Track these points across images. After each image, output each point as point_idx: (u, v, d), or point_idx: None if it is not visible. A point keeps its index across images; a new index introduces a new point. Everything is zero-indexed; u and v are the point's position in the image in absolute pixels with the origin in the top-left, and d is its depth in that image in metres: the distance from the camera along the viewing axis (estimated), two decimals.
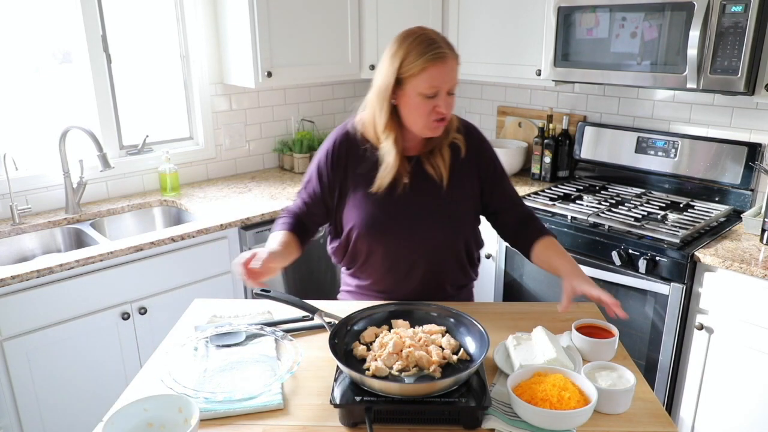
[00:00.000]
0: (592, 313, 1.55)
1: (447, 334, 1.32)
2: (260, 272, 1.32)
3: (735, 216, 2.38)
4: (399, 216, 1.53)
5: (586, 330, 1.36)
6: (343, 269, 1.70)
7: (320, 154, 1.61)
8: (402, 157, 1.51)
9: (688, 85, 2.11)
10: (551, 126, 2.89)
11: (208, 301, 1.65)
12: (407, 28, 1.45)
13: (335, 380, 1.18)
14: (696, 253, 2.04)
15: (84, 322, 2.09)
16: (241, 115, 3.05)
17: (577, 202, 2.53)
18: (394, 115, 1.48)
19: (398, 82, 1.43)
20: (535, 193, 2.64)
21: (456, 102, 1.49)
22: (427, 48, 1.39)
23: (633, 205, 2.45)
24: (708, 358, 2.10)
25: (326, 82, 3.30)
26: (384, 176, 1.50)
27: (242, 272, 1.32)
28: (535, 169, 2.93)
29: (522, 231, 1.62)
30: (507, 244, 1.70)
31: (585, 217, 2.31)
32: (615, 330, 1.34)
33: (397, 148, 1.48)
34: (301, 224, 1.61)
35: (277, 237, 1.53)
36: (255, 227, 2.49)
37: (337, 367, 1.20)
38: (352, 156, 1.56)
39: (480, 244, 1.67)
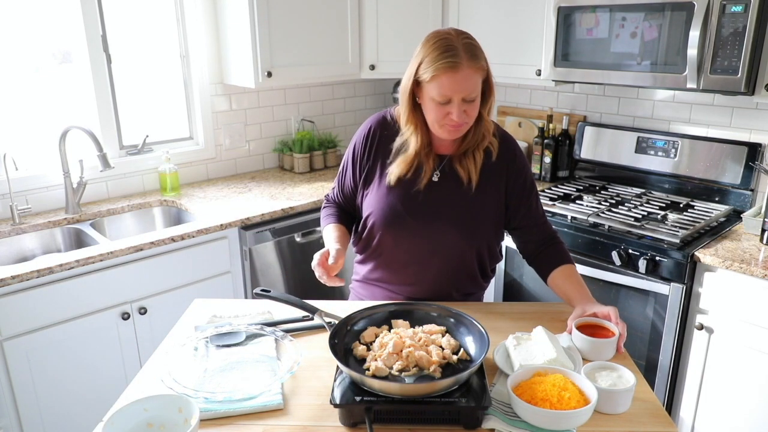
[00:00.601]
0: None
1: (447, 334, 1.32)
2: (334, 267, 1.45)
3: (735, 216, 2.38)
4: (416, 212, 1.53)
5: (587, 330, 1.36)
6: (356, 257, 1.72)
7: (355, 137, 1.64)
8: (428, 153, 1.52)
9: (688, 85, 2.11)
10: (551, 126, 2.89)
11: (208, 301, 1.65)
12: (438, 29, 1.44)
13: (335, 380, 1.18)
14: (696, 253, 2.04)
15: (84, 322, 2.09)
16: (241, 115, 3.05)
17: (577, 202, 2.53)
18: (418, 111, 1.48)
19: (417, 84, 1.44)
20: None
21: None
22: (440, 55, 1.36)
23: (633, 205, 2.45)
24: (708, 358, 2.10)
25: (326, 82, 3.30)
26: (400, 166, 1.52)
27: (321, 272, 1.44)
28: (535, 169, 2.93)
29: (543, 253, 1.59)
30: (522, 256, 1.69)
31: (585, 217, 2.31)
32: (615, 329, 1.34)
33: (417, 142, 1.50)
34: (345, 212, 1.70)
35: (330, 233, 1.61)
36: (255, 227, 2.49)
37: (337, 367, 1.20)
38: (384, 142, 1.58)
39: (496, 257, 1.64)
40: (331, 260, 1.44)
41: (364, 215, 1.59)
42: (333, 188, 1.74)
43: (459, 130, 1.46)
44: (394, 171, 1.53)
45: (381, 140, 1.58)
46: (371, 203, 1.57)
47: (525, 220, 1.59)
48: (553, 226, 1.65)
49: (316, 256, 1.47)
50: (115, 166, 2.52)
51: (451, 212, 1.53)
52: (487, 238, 1.57)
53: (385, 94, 3.59)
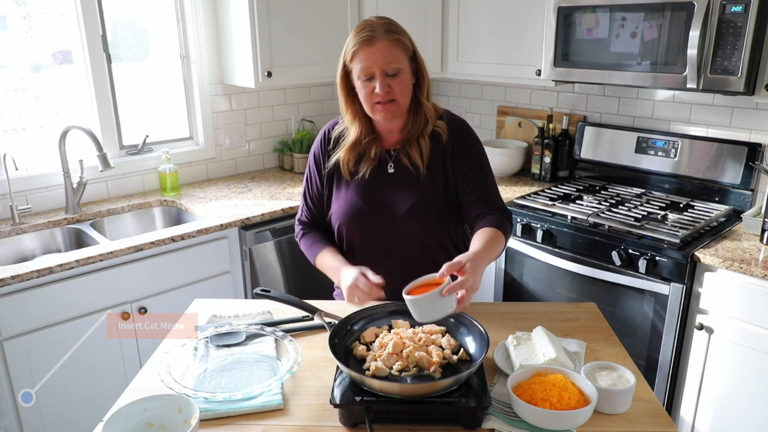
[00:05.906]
0: (591, 313, 1.55)
1: (447, 334, 1.32)
2: (376, 287, 1.41)
3: (735, 216, 2.38)
4: (376, 205, 1.55)
5: (420, 290, 1.26)
6: None
7: (313, 146, 1.67)
8: (372, 142, 1.55)
9: (688, 85, 2.11)
10: (551, 126, 2.89)
11: (208, 301, 1.65)
12: None
13: (335, 380, 1.18)
14: (696, 253, 2.04)
15: (84, 322, 2.09)
16: (241, 115, 3.05)
17: (577, 202, 2.53)
18: (357, 102, 1.52)
19: (347, 73, 1.49)
20: (535, 193, 2.64)
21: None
22: (357, 34, 1.44)
23: (633, 205, 2.45)
24: (708, 358, 2.09)
25: (326, 82, 3.29)
26: (343, 153, 1.55)
27: (367, 288, 1.40)
28: (535, 169, 2.93)
29: (479, 216, 1.52)
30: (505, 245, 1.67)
31: (585, 217, 2.31)
32: (447, 278, 1.21)
33: (357, 129, 1.53)
34: (323, 231, 1.67)
35: (333, 259, 1.55)
36: (255, 227, 2.49)
37: (337, 367, 1.20)
38: (340, 145, 1.61)
39: (460, 241, 1.63)
40: (374, 278, 1.40)
41: (333, 221, 1.61)
42: (301, 209, 1.70)
43: (390, 111, 1.47)
44: (340, 156, 1.56)
45: (335, 145, 1.61)
46: (335, 207, 1.60)
47: (471, 194, 1.56)
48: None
49: (350, 284, 1.41)
50: (115, 166, 2.52)
51: (407, 202, 1.55)
52: (448, 223, 1.57)
53: None
